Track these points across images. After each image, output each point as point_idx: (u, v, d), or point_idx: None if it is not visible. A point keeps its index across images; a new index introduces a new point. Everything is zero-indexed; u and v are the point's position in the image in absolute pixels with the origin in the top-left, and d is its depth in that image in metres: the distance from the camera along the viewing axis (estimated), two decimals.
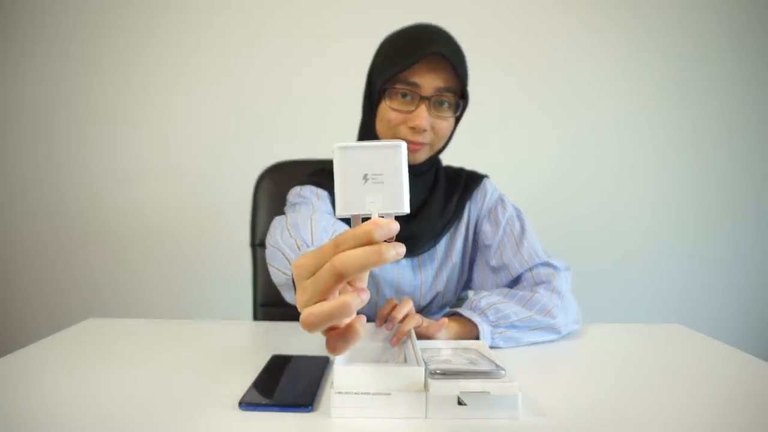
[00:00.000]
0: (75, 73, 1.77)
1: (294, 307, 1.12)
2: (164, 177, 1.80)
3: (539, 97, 1.79)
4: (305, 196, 0.87)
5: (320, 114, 1.77)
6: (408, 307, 0.71)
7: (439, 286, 0.93)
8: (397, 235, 0.84)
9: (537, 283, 0.85)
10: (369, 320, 0.93)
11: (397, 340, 0.67)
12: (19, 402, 0.55)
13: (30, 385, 0.60)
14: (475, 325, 0.76)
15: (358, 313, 0.37)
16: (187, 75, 1.77)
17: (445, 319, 0.73)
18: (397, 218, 0.98)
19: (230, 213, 1.76)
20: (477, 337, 0.75)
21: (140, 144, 1.79)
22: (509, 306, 0.79)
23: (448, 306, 0.99)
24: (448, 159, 1.01)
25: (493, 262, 0.91)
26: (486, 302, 0.79)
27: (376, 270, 0.87)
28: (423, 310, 0.93)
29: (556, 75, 1.78)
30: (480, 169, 1.02)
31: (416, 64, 0.77)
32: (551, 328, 0.80)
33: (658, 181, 1.83)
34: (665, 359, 0.72)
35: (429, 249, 0.91)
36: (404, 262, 0.90)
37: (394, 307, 0.71)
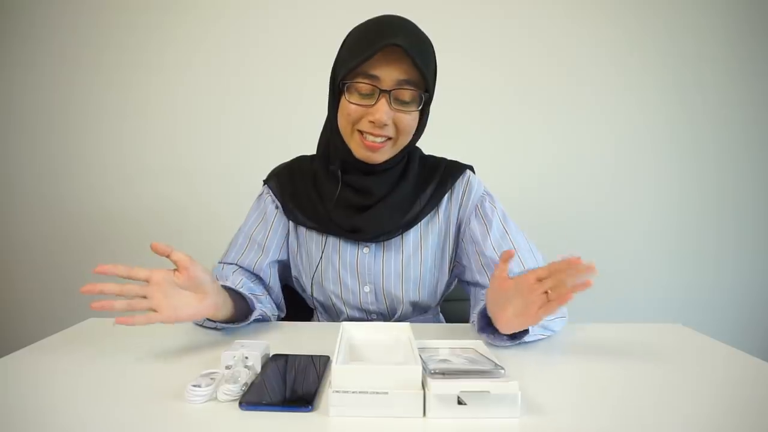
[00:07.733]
0: (77, 72, 1.77)
1: (293, 307, 1.11)
2: (165, 177, 1.80)
3: (538, 97, 1.78)
4: (260, 203, 0.98)
5: (322, 116, 1.76)
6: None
7: (409, 279, 0.89)
8: (353, 221, 0.94)
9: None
10: (367, 317, 0.92)
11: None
12: (19, 402, 0.55)
13: (30, 385, 0.60)
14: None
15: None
16: (191, 75, 1.77)
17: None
18: (358, 207, 0.97)
19: (231, 213, 1.75)
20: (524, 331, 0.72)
21: (142, 144, 1.79)
22: None
23: (431, 307, 0.96)
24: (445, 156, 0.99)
25: (483, 259, 0.88)
26: None
27: (333, 253, 0.90)
28: (398, 309, 0.91)
29: (556, 75, 1.78)
30: (478, 169, 0.98)
31: (375, 57, 0.74)
32: (563, 318, 0.84)
33: (659, 180, 1.82)
34: (665, 359, 0.72)
35: (389, 239, 0.88)
36: (365, 248, 0.89)
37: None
